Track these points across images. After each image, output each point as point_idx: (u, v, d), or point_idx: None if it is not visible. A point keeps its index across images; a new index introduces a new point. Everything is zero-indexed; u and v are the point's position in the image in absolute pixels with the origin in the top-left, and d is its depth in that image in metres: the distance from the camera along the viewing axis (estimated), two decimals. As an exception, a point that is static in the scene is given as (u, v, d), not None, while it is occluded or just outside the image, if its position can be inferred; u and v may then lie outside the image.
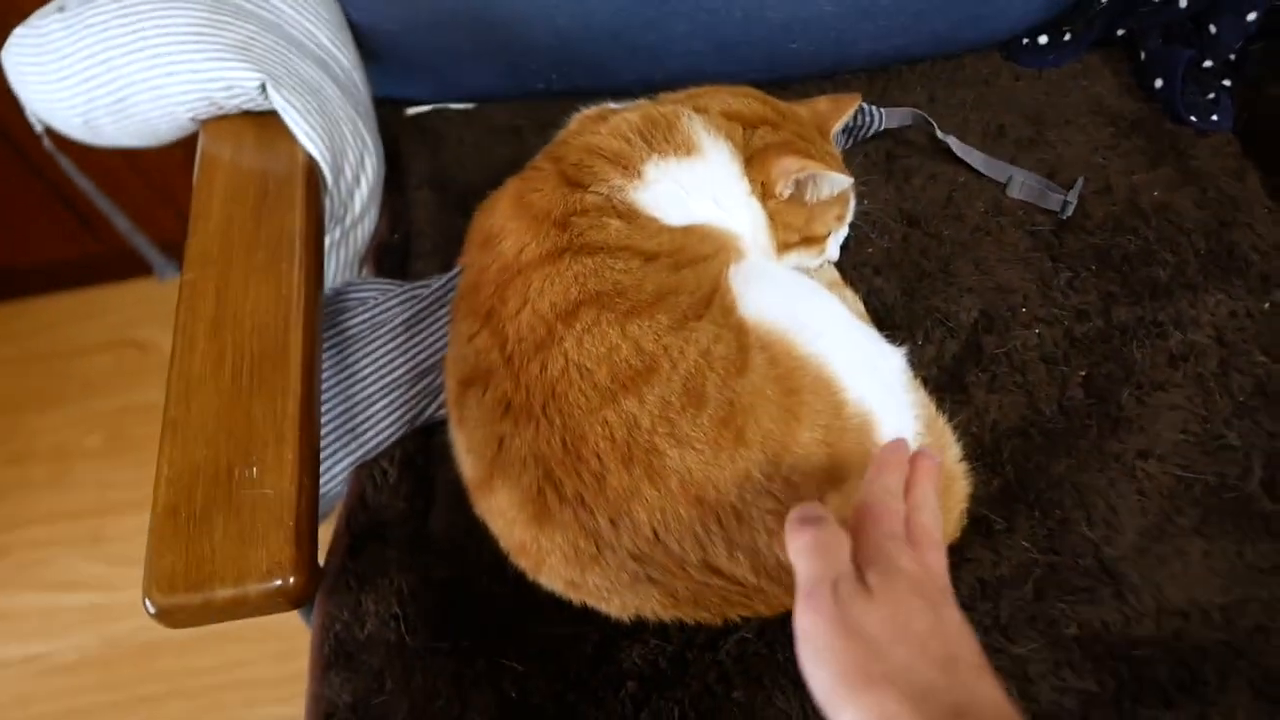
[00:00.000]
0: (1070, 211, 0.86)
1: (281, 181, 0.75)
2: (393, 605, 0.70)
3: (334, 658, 0.69)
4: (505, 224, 0.68)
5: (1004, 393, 0.76)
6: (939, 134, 0.91)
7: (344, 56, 0.84)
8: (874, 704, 0.42)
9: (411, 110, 1.05)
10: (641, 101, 0.79)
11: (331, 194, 0.81)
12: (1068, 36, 0.99)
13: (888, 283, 0.84)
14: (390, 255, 0.92)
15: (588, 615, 0.65)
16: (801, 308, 0.67)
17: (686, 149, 0.72)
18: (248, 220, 0.72)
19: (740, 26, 0.91)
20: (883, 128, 0.94)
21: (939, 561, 0.50)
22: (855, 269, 0.85)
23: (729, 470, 0.58)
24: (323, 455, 0.74)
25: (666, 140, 0.72)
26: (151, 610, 0.57)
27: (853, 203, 0.81)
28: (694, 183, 0.71)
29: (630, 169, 0.70)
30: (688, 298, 0.64)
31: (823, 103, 0.83)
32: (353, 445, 0.77)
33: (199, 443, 0.62)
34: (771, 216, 0.75)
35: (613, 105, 0.78)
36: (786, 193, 0.74)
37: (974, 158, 0.90)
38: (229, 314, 0.68)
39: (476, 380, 0.64)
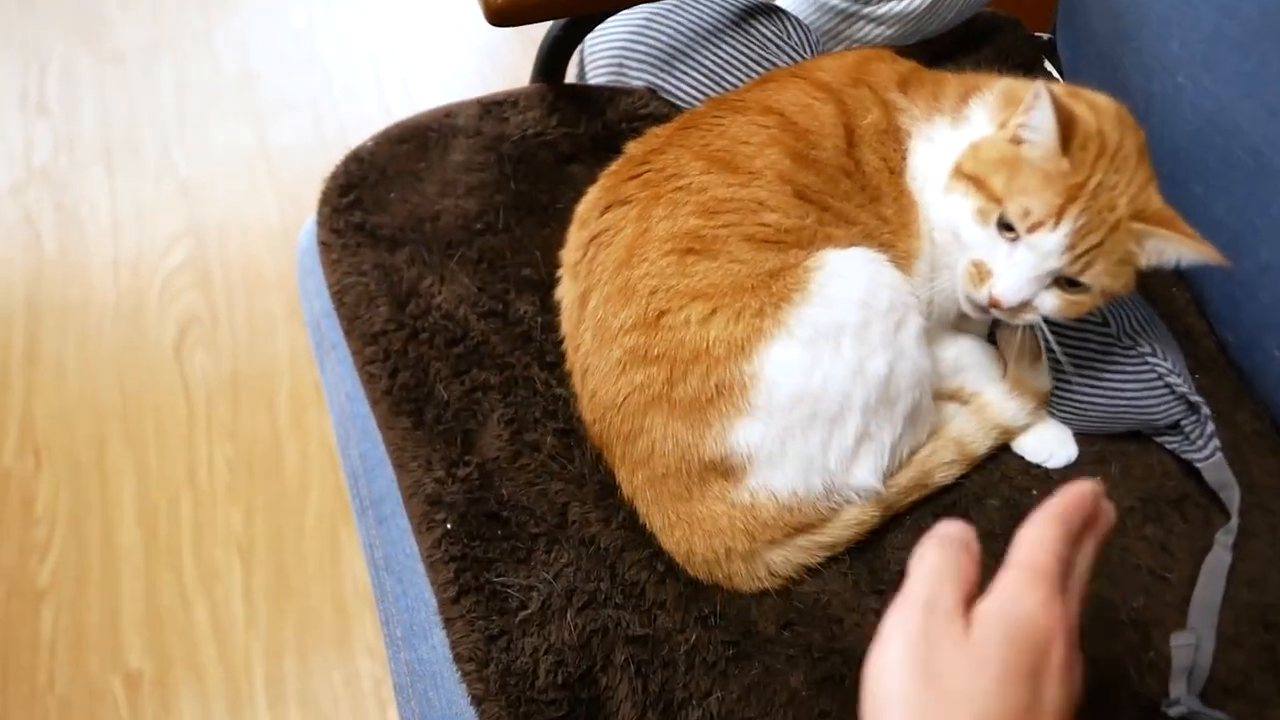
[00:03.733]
0: (1174, 710, 0.62)
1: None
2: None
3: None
4: (843, 62, 0.79)
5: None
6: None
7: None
8: None
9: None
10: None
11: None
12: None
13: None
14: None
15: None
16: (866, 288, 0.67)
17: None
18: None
19: None
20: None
21: (1073, 629, 0.41)
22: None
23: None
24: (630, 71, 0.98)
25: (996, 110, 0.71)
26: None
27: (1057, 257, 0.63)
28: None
29: (938, 109, 0.74)
30: (832, 187, 0.71)
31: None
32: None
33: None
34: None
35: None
36: (1017, 120, 0.65)
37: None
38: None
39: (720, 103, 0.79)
